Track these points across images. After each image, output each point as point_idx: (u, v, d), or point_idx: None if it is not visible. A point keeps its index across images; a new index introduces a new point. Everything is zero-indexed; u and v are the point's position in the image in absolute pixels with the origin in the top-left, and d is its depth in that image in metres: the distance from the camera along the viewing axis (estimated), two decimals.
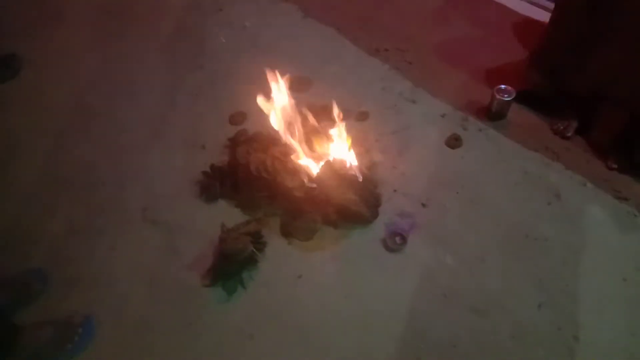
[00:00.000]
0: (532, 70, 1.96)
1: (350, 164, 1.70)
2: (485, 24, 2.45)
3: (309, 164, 1.70)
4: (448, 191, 1.81)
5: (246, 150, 1.81)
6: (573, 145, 1.92)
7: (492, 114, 2.02)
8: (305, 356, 1.46)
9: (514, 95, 1.94)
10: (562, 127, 1.94)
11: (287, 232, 1.71)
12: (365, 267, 1.64)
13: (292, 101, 1.71)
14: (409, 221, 1.72)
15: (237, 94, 2.15)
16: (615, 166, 1.83)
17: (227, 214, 1.75)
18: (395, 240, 1.66)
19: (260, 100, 1.68)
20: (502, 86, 1.95)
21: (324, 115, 1.82)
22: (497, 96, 1.94)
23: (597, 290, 1.56)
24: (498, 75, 2.12)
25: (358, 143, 1.78)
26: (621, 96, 1.73)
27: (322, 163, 1.68)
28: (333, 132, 1.72)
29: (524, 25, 2.42)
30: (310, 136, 1.76)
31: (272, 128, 1.72)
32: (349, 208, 1.68)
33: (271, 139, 1.79)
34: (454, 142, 1.95)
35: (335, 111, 1.71)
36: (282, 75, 1.69)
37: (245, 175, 1.76)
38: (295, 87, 1.91)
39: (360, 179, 1.71)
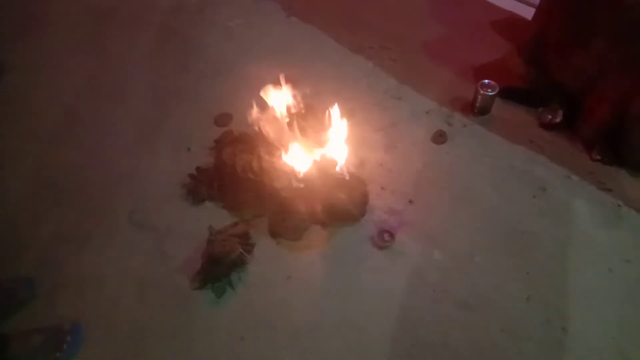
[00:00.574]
0: (519, 62, 1.97)
1: (338, 163, 1.70)
2: (469, 21, 2.45)
3: (296, 163, 1.70)
4: (435, 187, 1.82)
5: (232, 151, 1.80)
6: (557, 139, 1.94)
7: (476, 109, 2.02)
8: (296, 356, 1.46)
9: (497, 90, 1.94)
10: (550, 117, 1.95)
11: (275, 233, 1.71)
12: (354, 266, 1.64)
13: (288, 99, 1.72)
14: (397, 218, 1.73)
15: (223, 95, 2.14)
16: (599, 157, 1.85)
17: (214, 216, 1.75)
18: (384, 238, 1.67)
19: (264, 93, 1.70)
20: (486, 81, 1.96)
21: (309, 113, 1.82)
22: (481, 91, 1.95)
23: (584, 281, 1.57)
24: (483, 72, 2.12)
25: (345, 141, 1.78)
26: (606, 88, 1.74)
27: (309, 162, 1.68)
28: (320, 130, 1.72)
29: (509, 22, 2.42)
30: (299, 134, 1.75)
31: (259, 128, 1.71)
32: (337, 207, 1.68)
33: (257, 140, 1.78)
34: (439, 138, 1.96)
35: (323, 110, 1.71)
36: (270, 74, 1.69)
37: (232, 176, 1.75)
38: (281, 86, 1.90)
39: (348, 177, 1.71)
